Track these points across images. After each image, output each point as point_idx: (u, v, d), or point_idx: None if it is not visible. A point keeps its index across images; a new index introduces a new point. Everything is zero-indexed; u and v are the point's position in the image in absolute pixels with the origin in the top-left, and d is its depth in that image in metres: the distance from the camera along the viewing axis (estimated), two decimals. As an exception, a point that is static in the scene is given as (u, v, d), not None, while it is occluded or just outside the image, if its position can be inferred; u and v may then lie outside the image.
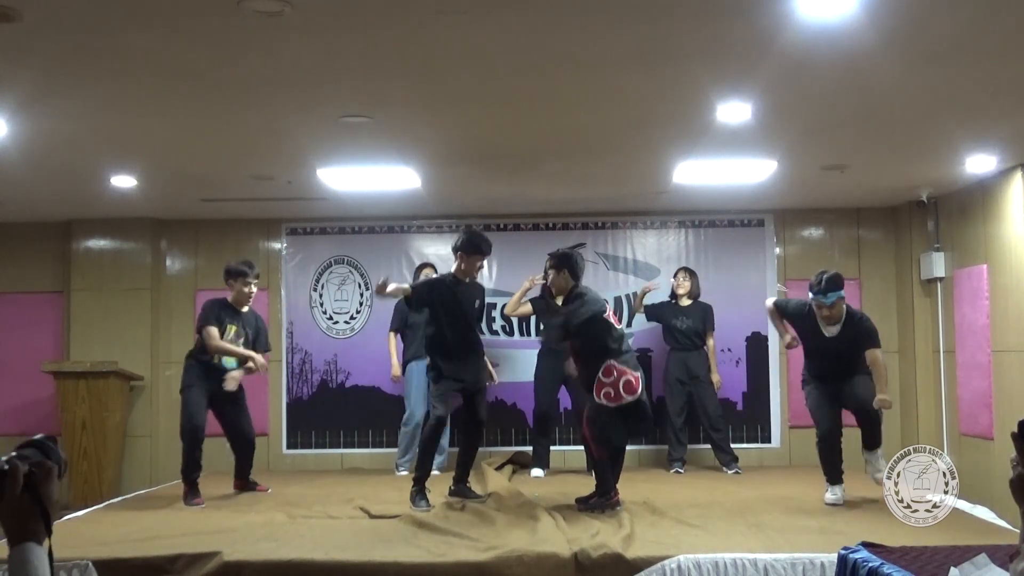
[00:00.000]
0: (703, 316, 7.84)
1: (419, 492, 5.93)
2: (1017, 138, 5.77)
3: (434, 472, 7.32)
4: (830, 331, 5.90)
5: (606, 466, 5.86)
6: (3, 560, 1.68)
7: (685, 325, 7.80)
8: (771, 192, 7.46)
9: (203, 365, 6.47)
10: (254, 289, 6.67)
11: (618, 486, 5.88)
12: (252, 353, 6.50)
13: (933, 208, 7.78)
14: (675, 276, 8.01)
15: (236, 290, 6.57)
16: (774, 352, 8.31)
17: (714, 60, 4.23)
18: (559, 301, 6.08)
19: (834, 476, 6.03)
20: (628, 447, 6.15)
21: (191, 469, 6.39)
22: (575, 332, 5.79)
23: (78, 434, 7.77)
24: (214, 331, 6.38)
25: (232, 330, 6.53)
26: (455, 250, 6.12)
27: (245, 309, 6.65)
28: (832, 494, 6.00)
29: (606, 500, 5.75)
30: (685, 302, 7.89)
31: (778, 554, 4.57)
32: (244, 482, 6.78)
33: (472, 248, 6.04)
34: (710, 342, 7.85)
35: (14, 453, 1.65)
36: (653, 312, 7.96)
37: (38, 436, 1.70)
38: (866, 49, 3.97)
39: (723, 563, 4.51)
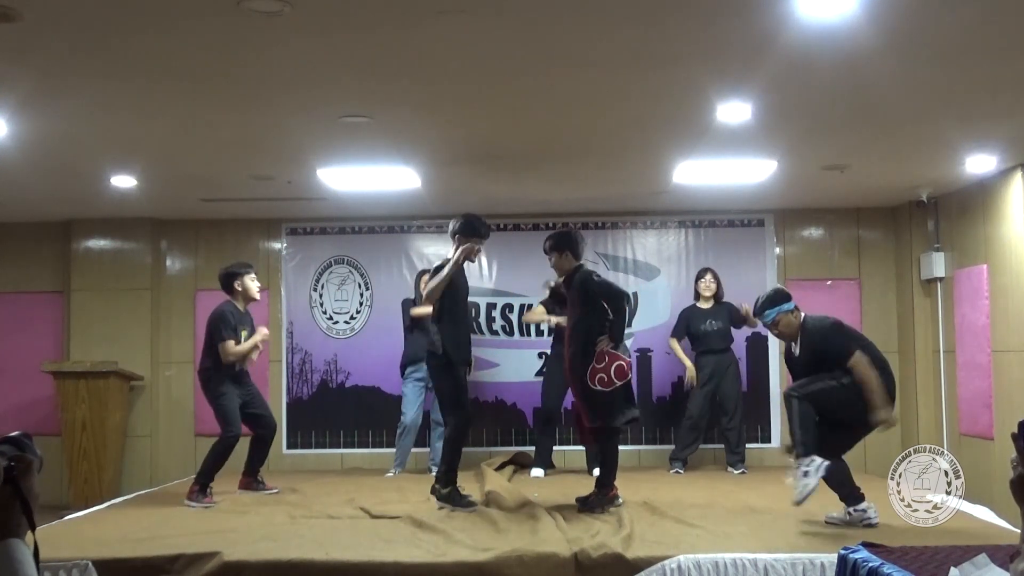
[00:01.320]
0: (728, 315, 7.79)
1: (458, 493, 5.87)
2: (1017, 138, 5.77)
3: (432, 470, 7.36)
4: (795, 349, 5.43)
5: (611, 458, 5.84)
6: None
7: (715, 327, 7.73)
8: (771, 192, 7.46)
9: (230, 374, 6.45)
10: (258, 282, 6.69)
11: (618, 485, 5.88)
12: (256, 339, 6.52)
13: (933, 208, 7.78)
14: (701, 278, 7.90)
15: (246, 287, 6.55)
16: (774, 352, 8.30)
17: (714, 60, 4.23)
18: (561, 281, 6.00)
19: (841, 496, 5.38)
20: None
21: (212, 476, 6.36)
22: (591, 297, 5.71)
23: (78, 434, 7.77)
24: (230, 345, 6.35)
25: (245, 335, 6.55)
26: (453, 235, 6.00)
27: (244, 310, 6.65)
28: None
29: (605, 494, 5.75)
30: (705, 304, 7.85)
31: (778, 554, 4.57)
32: (252, 479, 6.77)
33: (471, 231, 5.95)
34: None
35: None
36: (681, 329, 7.88)
37: (13, 433, 1.69)
38: (866, 49, 3.98)
39: (723, 563, 4.51)
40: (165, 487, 7.32)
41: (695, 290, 7.95)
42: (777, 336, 5.53)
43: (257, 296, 6.66)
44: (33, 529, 1.61)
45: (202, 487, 6.32)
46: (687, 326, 7.85)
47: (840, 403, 5.22)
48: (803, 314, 5.42)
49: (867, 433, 5.45)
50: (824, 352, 5.25)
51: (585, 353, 5.67)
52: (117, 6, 3.54)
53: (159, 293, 8.48)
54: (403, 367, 7.74)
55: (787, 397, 5.30)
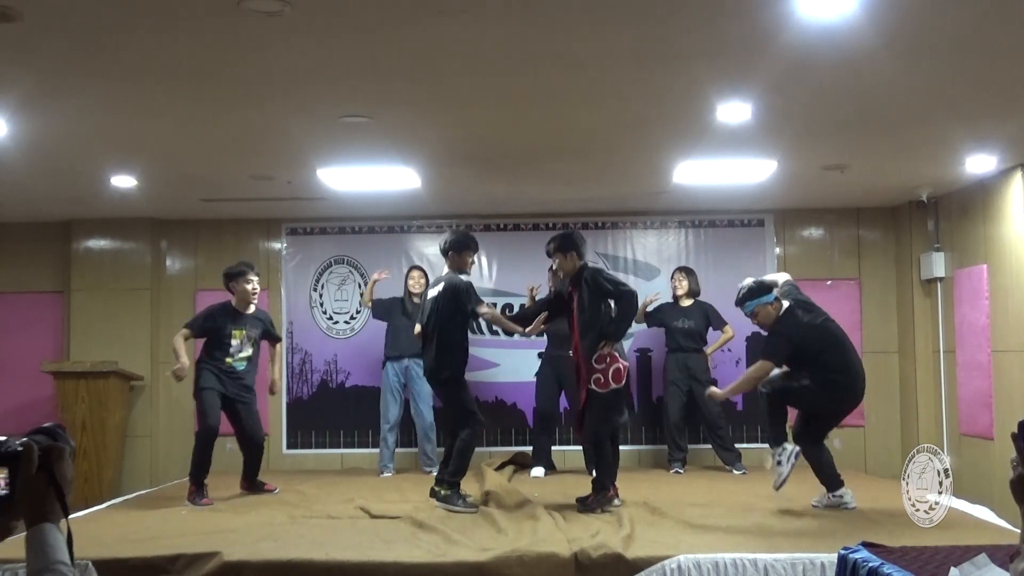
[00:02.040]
0: (704, 316, 7.83)
1: (458, 494, 5.86)
2: (1017, 138, 5.77)
3: (428, 470, 7.38)
4: None
5: (604, 460, 5.84)
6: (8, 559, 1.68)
7: (687, 325, 7.77)
8: (771, 192, 7.46)
9: (215, 368, 6.49)
10: (256, 286, 6.70)
11: (619, 485, 5.89)
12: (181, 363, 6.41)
13: (933, 208, 7.78)
14: (672, 276, 8.01)
15: (239, 290, 6.59)
16: (774, 352, 8.30)
17: (714, 60, 4.23)
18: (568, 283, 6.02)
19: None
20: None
21: (202, 471, 6.39)
22: (603, 293, 5.74)
23: (78, 434, 7.75)
24: (178, 338, 6.51)
25: (238, 336, 6.57)
26: (445, 252, 6.11)
27: (251, 310, 6.67)
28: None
29: (603, 496, 5.75)
30: (686, 302, 7.87)
31: (778, 554, 4.56)
32: (251, 483, 6.78)
33: (462, 246, 6.07)
34: (728, 332, 7.80)
35: (25, 439, 1.67)
36: (654, 318, 7.93)
37: (47, 424, 1.72)
38: (866, 49, 3.98)
39: (723, 563, 4.51)
40: (165, 487, 7.33)
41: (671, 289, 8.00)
42: (758, 326, 5.89)
43: (252, 299, 6.66)
44: (66, 515, 1.64)
45: (197, 487, 6.34)
46: (660, 317, 7.88)
47: (805, 401, 5.74)
48: (786, 304, 5.72)
49: (838, 420, 6.01)
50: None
51: (595, 349, 5.68)
52: (117, 6, 3.54)
53: (159, 293, 8.48)
54: (383, 363, 7.79)
55: (760, 393, 5.80)
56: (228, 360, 6.53)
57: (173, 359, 6.53)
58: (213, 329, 6.52)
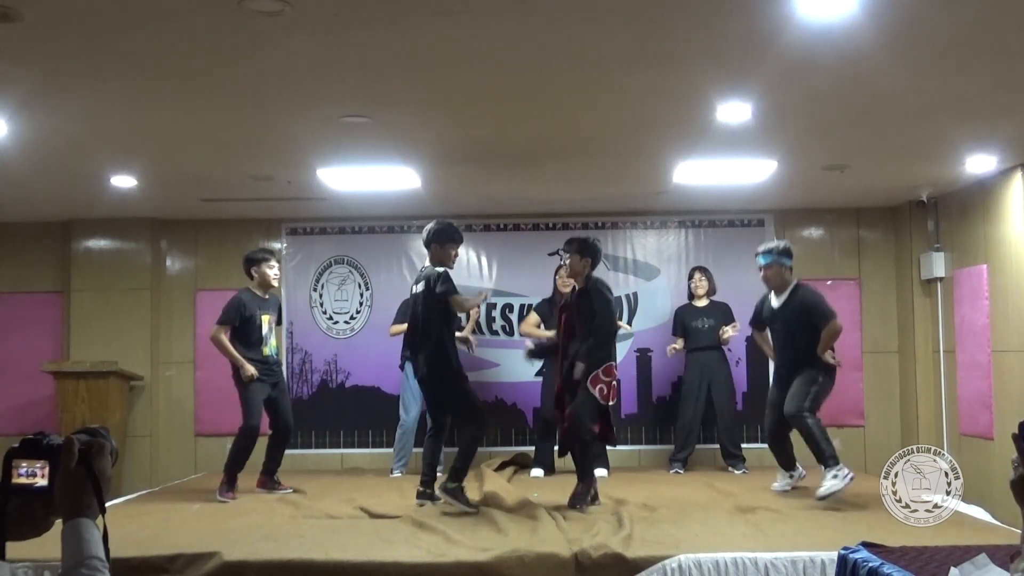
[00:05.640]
0: (723, 314, 7.82)
1: (462, 491, 5.78)
2: (1017, 138, 5.77)
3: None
4: (774, 301, 6.35)
5: (585, 455, 5.88)
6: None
7: (707, 325, 7.76)
8: (771, 192, 7.46)
9: (255, 362, 6.52)
10: (278, 272, 6.83)
11: (619, 485, 5.89)
12: (244, 362, 6.47)
13: (933, 208, 7.78)
14: (691, 277, 7.97)
15: (260, 275, 6.68)
16: (774, 352, 8.30)
17: (714, 60, 4.23)
18: (571, 286, 6.10)
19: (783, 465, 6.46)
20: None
21: (237, 465, 6.48)
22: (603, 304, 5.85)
23: (78, 434, 7.76)
24: (218, 329, 6.53)
25: (266, 320, 6.65)
26: (427, 244, 6.00)
27: (267, 296, 6.76)
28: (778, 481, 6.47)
29: (587, 489, 5.80)
30: (702, 302, 7.87)
31: (778, 553, 4.56)
32: (269, 479, 6.76)
33: (446, 237, 5.97)
34: (737, 325, 7.80)
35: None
36: (676, 326, 7.92)
37: (92, 426, 1.76)
38: (866, 49, 3.98)
39: (723, 562, 4.51)
40: (165, 487, 7.33)
41: (688, 290, 7.98)
42: (762, 280, 6.36)
43: (274, 283, 6.79)
44: (103, 512, 1.65)
45: (229, 480, 6.43)
46: (682, 323, 7.88)
47: (826, 390, 6.14)
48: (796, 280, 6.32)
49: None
50: (810, 310, 6.13)
51: (590, 355, 5.73)
52: (117, 6, 3.54)
53: (159, 293, 8.48)
54: (401, 363, 7.69)
55: (798, 418, 5.99)
56: (265, 350, 6.61)
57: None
58: (248, 318, 6.54)
